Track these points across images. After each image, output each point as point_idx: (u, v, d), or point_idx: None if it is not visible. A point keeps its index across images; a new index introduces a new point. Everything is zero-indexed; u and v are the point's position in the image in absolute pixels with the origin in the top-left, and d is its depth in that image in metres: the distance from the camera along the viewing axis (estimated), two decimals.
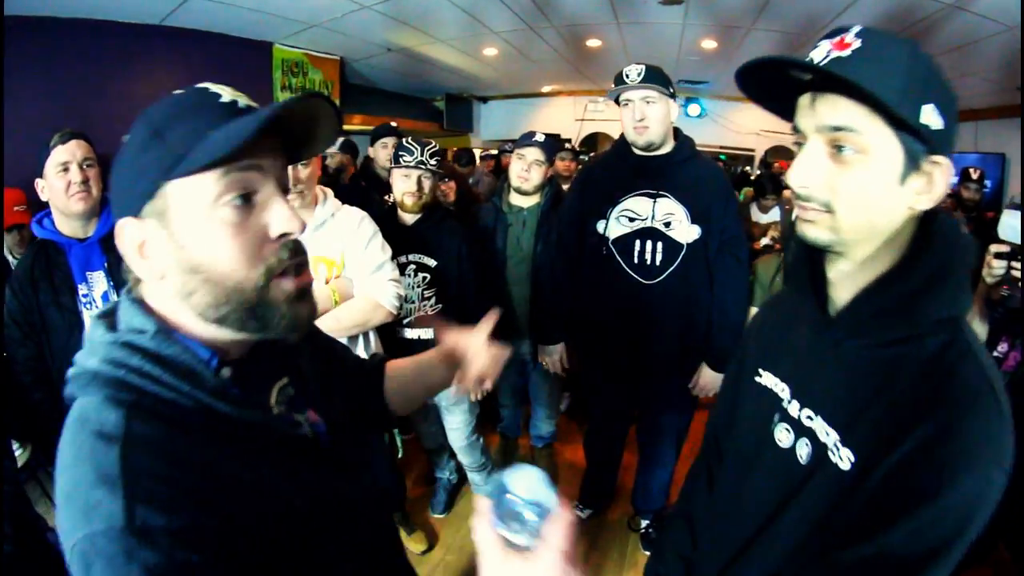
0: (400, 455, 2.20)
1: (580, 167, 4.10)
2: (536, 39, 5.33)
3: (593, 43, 5.48)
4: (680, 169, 1.93)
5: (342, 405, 0.84)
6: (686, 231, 1.91)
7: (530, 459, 2.98)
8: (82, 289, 1.64)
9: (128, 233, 0.58)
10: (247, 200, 0.58)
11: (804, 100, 0.68)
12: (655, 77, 1.83)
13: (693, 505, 1.01)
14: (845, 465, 0.66)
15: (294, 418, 0.71)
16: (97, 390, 0.55)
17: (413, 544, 2.39)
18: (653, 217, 1.91)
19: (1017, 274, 1.48)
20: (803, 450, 0.74)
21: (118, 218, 0.59)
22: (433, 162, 1.99)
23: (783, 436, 0.78)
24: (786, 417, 0.78)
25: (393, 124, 3.19)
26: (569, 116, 8.46)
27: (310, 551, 0.62)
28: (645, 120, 1.85)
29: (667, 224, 1.91)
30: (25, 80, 3.57)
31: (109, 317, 0.62)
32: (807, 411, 0.75)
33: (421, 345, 2.06)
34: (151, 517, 0.48)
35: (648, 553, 2.39)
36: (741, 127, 7.79)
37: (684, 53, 5.58)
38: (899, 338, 0.66)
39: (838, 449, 0.68)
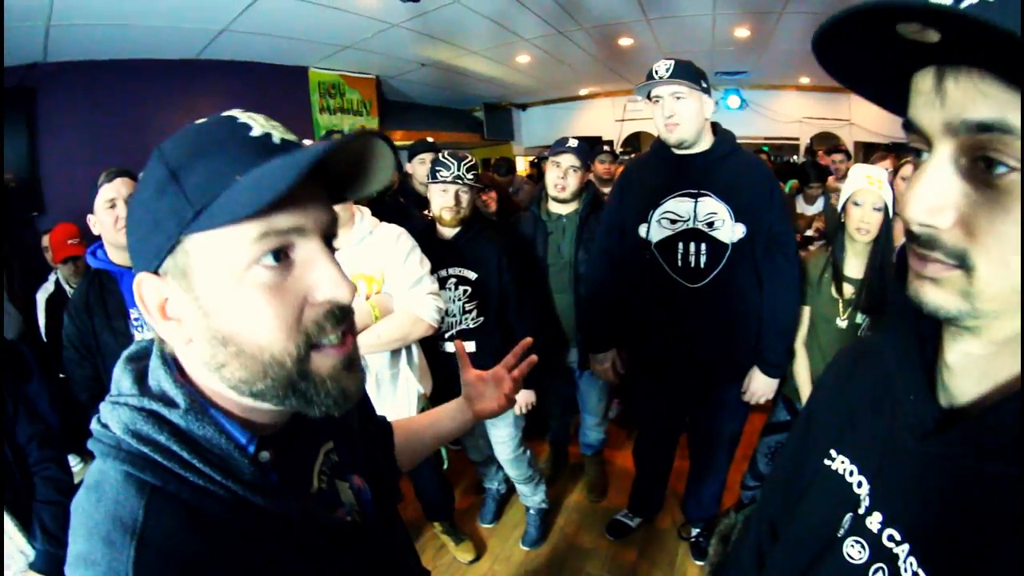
0: (445, 466, 2.21)
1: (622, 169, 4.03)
2: (567, 42, 5.32)
3: (625, 42, 5.43)
4: (720, 166, 1.86)
5: (386, 467, 0.78)
6: (730, 230, 1.84)
7: (580, 467, 2.96)
8: (134, 313, 1.70)
9: (148, 290, 0.50)
10: (284, 257, 0.49)
11: (924, 82, 0.42)
12: (684, 72, 1.77)
13: None
14: None
15: (336, 494, 0.64)
16: (119, 463, 0.49)
17: (461, 553, 2.39)
18: (695, 218, 1.86)
19: None
20: None
21: (136, 272, 0.51)
22: (470, 176, 2.00)
23: (854, 552, 0.59)
24: (862, 530, 0.58)
25: (430, 140, 3.22)
26: (609, 117, 8.43)
27: None
28: (675, 116, 1.79)
29: (710, 224, 1.85)
30: (71, 122, 3.83)
31: (138, 362, 0.56)
32: (891, 531, 0.55)
33: None
34: None
35: (699, 563, 2.32)
36: (784, 115, 7.56)
37: (718, 44, 5.46)
38: None
39: None
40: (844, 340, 1.93)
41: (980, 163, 0.39)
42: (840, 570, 0.58)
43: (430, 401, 2.00)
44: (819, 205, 3.85)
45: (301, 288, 0.51)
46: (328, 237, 0.53)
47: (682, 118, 1.79)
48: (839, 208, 1.93)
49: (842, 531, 0.60)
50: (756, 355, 1.96)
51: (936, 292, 0.44)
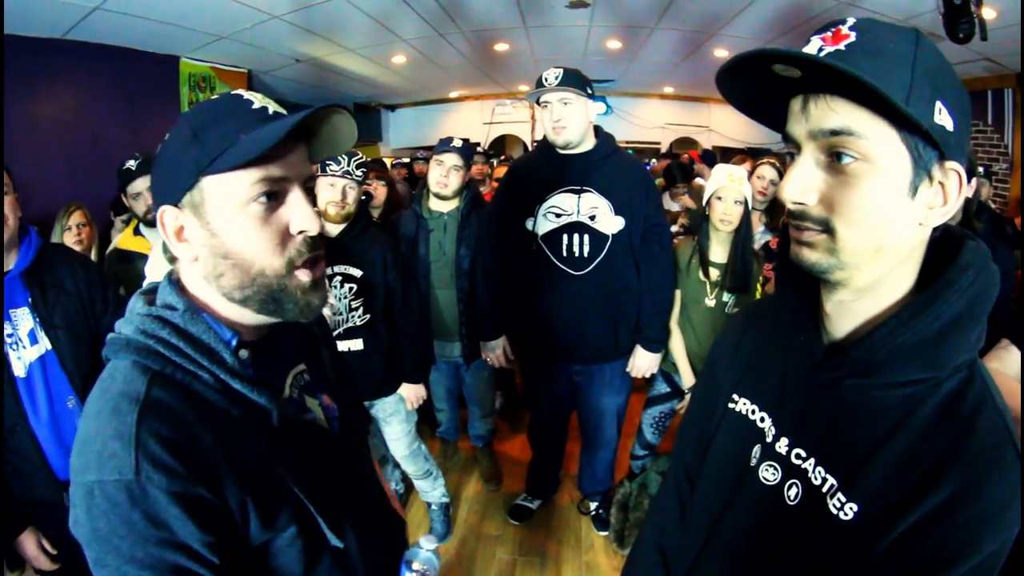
0: None
1: (492, 169, 4.17)
2: (444, 45, 5.36)
3: (500, 47, 5.59)
4: (601, 165, 2.04)
5: (353, 395, 0.93)
6: (610, 222, 2.01)
7: (472, 460, 3.03)
8: (6, 328, 1.49)
9: (168, 219, 0.66)
10: (274, 197, 0.65)
11: (795, 104, 0.59)
12: (572, 80, 1.93)
13: (666, 537, 0.91)
14: (846, 515, 0.59)
15: (305, 403, 0.78)
16: (128, 354, 0.63)
17: None
18: (579, 212, 2.01)
19: None
20: (792, 491, 0.67)
21: (158, 205, 0.66)
22: (359, 173, 1.99)
23: (768, 475, 0.70)
24: (772, 454, 0.70)
25: None
26: (477, 120, 8.59)
27: (310, 536, 0.69)
28: (562, 120, 1.95)
29: (592, 217, 2.01)
30: None
31: (150, 294, 0.70)
32: (798, 450, 0.67)
33: (352, 357, 2.04)
34: (155, 476, 0.56)
35: (603, 534, 2.48)
36: (646, 122, 8.19)
37: (589, 53, 5.81)
38: (913, 379, 0.58)
39: (838, 498, 0.61)
40: (713, 317, 2.20)
41: (833, 157, 0.56)
42: (758, 493, 0.71)
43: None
44: (684, 202, 4.24)
45: (284, 221, 0.67)
46: (308, 187, 0.70)
47: (569, 121, 1.94)
48: (703, 202, 2.19)
49: (754, 460, 0.72)
50: (638, 334, 2.16)
51: (811, 253, 0.60)
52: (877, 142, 0.54)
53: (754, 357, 0.79)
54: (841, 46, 0.53)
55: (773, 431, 0.71)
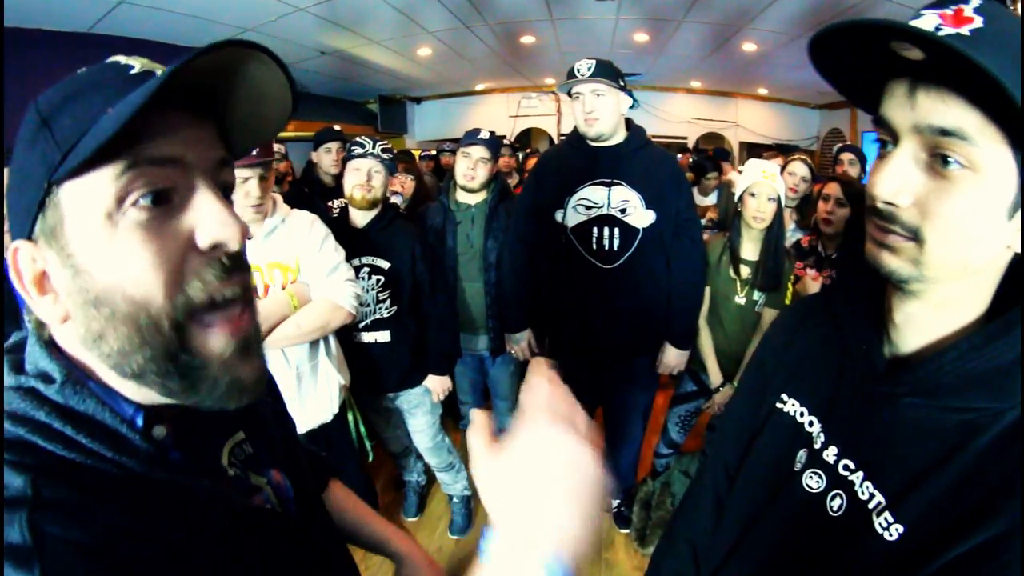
0: (371, 458, 2.17)
1: (520, 163, 4.15)
2: (470, 37, 5.34)
3: (527, 39, 5.54)
4: (633, 158, 2.00)
5: (306, 458, 0.71)
6: (641, 216, 1.97)
7: None
8: None
9: (21, 260, 0.44)
10: (164, 200, 0.43)
11: (899, 88, 0.52)
12: (604, 71, 1.89)
13: (696, 531, 0.89)
14: (891, 536, 0.56)
15: (251, 483, 0.58)
16: None
17: None
18: (609, 204, 1.97)
19: None
20: (835, 502, 0.64)
21: (12, 240, 0.44)
22: (386, 156, 1.99)
23: (812, 482, 0.67)
24: (818, 462, 0.67)
25: (337, 128, 3.13)
26: (503, 113, 8.51)
27: None
28: (595, 112, 1.92)
29: (623, 211, 1.97)
30: None
31: (16, 353, 0.49)
32: (847, 461, 0.64)
33: (378, 349, 2.04)
34: None
35: (624, 532, 2.45)
36: (673, 116, 8.07)
37: (616, 47, 5.73)
38: (976, 407, 0.55)
39: (885, 517, 0.57)
40: (742, 315, 2.15)
41: (936, 159, 0.50)
42: (800, 499, 0.67)
43: (349, 392, 1.96)
44: (712, 198, 4.18)
45: (183, 231, 0.44)
46: (223, 185, 0.48)
47: (601, 113, 1.92)
48: (736, 198, 2.14)
49: (799, 465, 0.69)
50: (667, 330, 2.12)
51: (892, 259, 0.55)
52: (987, 151, 0.48)
53: (806, 356, 0.75)
54: (964, 30, 0.45)
55: (822, 437, 0.68)
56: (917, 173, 0.52)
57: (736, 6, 4.29)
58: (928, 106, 0.49)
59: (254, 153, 1.50)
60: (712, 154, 5.03)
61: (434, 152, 5.67)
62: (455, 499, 2.51)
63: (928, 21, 0.47)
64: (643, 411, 2.30)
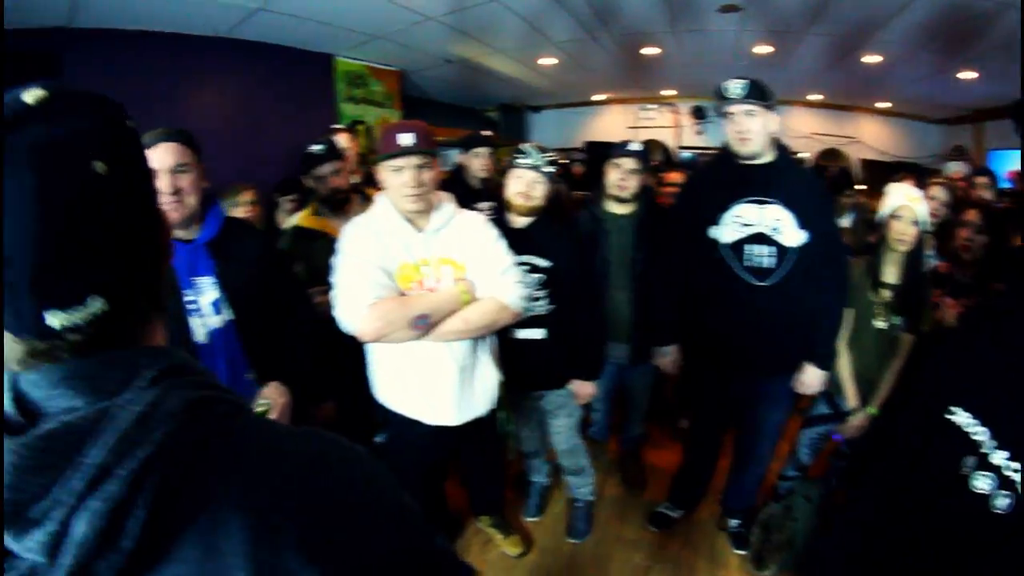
0: (512, 456, 2.25)
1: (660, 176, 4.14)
2: (593, 47, 5.39)
3: (649, 51, 5.53)
4: (783, 176, 2.02)
5: None
6: (794, 235, 1.98)
7: (612, 463, 3.05)
8: (188, 295, 1.48)
9: None
10: None
11: None
12: (756, 91, 1.92)
13: (854, 535, 0.96)
14: None
15: None
16: None
17: (510, 547, 2.40)
18: (762, 223, 2.00)
19: None
20: (1002, 501, 0.70)
21: None
22: (548, 168, 2.07)
23: (981, 485, 0.73)
24: (987, 466, 0.73)
25: (487, 133, 3.26)
26: (620, 124, 8.44)
27: None
28: (747, 132, 1.95)
29: (775, 229, 1.99)
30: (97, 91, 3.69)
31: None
32: (1016, 464, 0.71)
33: (533, 345, 2.11)
34: None
35: (740, 552, 2.43)
36: (792, 131, 7.72)
37: (736, 59, 5.61)
38: None
39: None
40: (882, 340, 2.17)
41: None
42: (968, 500, 0.73)
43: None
44: (846, 220, 3.99)
45: None
46: None
47: (753, 133, 1.95)
48: (879, 221, 2.15)
49: (966, 469, 0.75)
50: (808, 350, 2.10)
51: None
52: None
53: (979, 369, 0.81)
54: None
55: (993, 444, 0.73)
56: None
57: (861, 17, 4.13)
58: None
59: (413, 144, 1.62)
60: (839, 172, 4.81)
61: (566, 161, 5.71)
62: (579, 503, 2.54)
63: None
64: (776, 431, 2.28)
